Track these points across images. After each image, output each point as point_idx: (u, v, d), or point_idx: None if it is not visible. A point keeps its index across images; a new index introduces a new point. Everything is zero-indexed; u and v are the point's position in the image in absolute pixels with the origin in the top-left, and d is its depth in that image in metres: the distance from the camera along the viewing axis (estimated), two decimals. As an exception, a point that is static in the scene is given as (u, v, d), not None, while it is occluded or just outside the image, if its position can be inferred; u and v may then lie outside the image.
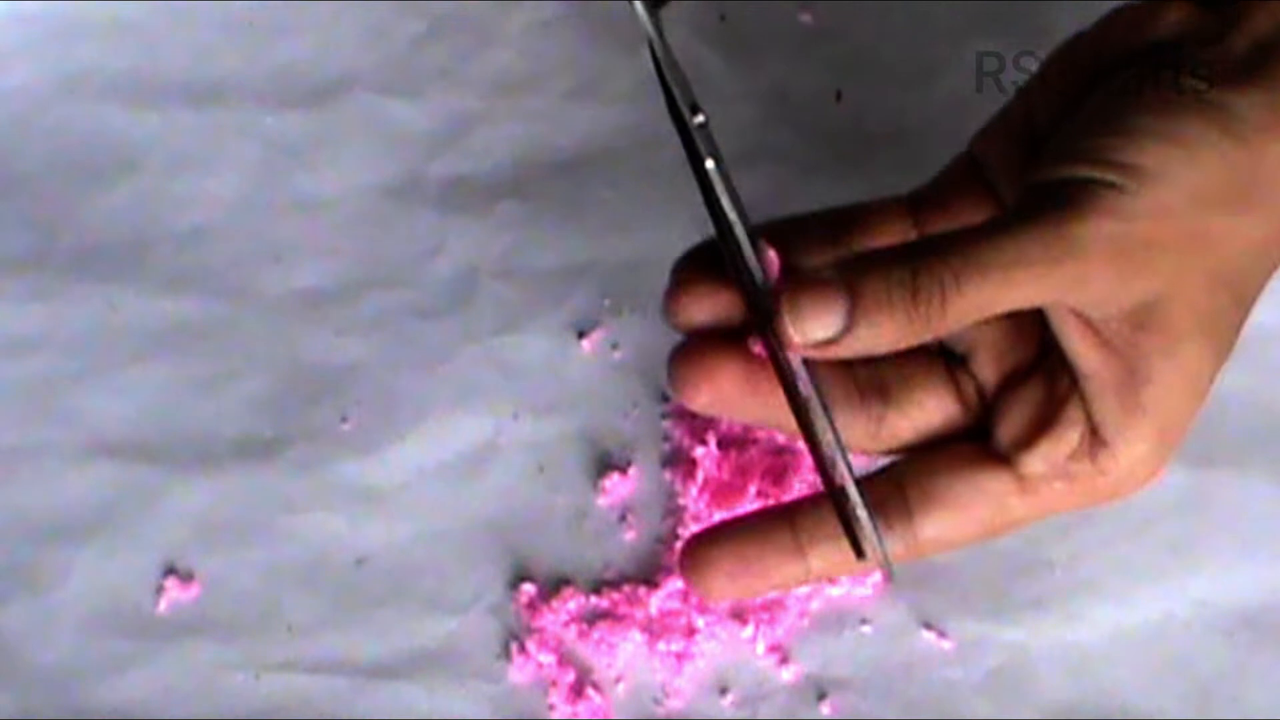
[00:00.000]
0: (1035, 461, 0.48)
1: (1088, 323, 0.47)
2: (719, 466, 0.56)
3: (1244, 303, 0.48)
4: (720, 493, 0.56)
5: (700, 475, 0.56)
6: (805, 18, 0.61)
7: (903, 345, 0.46)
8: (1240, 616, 0.55)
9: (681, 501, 0.56)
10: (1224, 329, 0.48)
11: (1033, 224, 0.45)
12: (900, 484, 0.49)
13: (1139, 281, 0.46)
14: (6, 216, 0.59)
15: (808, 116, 0.60)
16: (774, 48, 0.61)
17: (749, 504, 0.55)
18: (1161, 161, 0.46)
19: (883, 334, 0.45)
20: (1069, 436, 0.48)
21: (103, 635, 0.55)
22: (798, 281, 0.45)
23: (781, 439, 0.56)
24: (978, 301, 0.45)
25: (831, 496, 0.48)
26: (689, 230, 0.58)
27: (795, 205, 0.57)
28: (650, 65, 0.49)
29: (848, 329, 0.45)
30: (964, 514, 0.49)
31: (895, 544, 0.48)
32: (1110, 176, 0.45)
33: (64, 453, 0.57)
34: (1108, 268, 0.46)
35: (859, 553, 0.48)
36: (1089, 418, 0.48)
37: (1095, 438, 0.48)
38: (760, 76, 0.60)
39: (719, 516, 0.55)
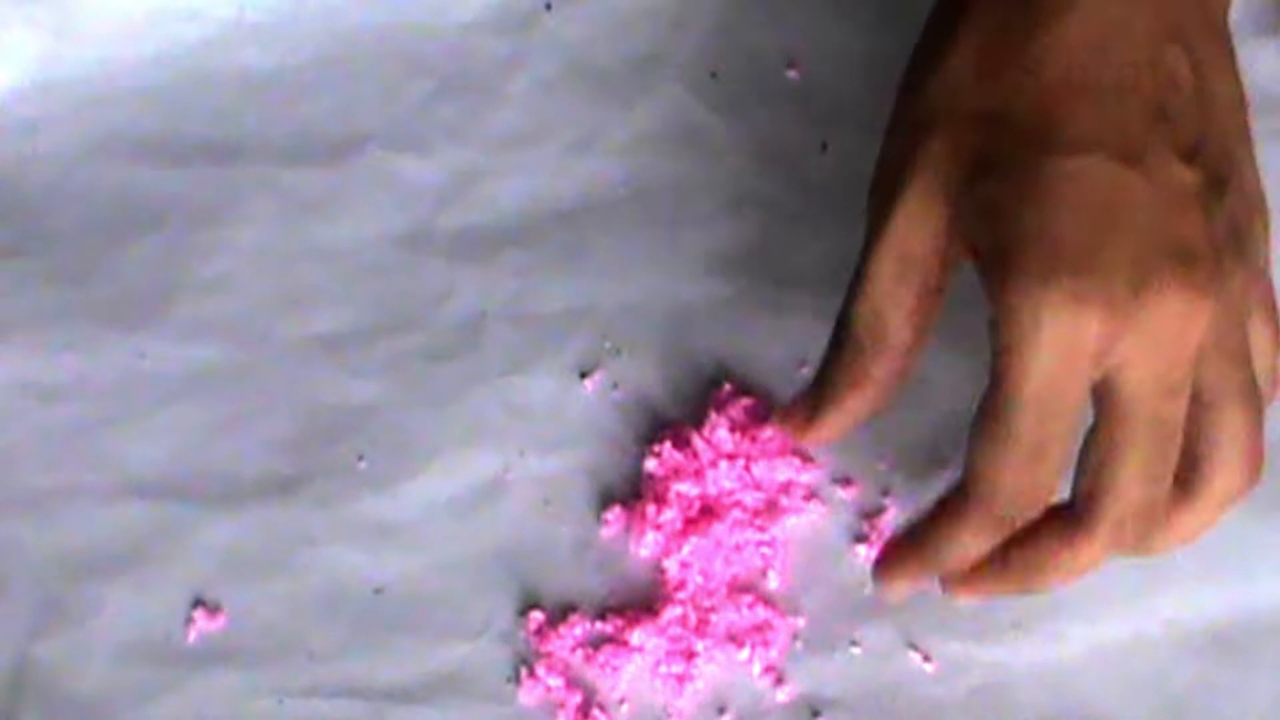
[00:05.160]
0: None
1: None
2: (690, 504, 0.57)
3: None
4: (693, 522, 0.57)
5: (676, 508, 0.57)
6: (792, 74, 0.61)
7: None
8: (1208, 634, 0.56)
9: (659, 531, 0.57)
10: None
11: None
12: None
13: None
14: (40, 271, 0.59)
15: (795, 167, 0.61)
16: (762, 102, 0.61)
17: (727, 530, 0.57)
18: None
19: None
20: None
21: (134, 664, 0.55)
22: None
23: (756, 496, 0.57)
24: None
25: None
26: (685, 275, 0.59)
27: (783, 249, 0.59)
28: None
29: None
30: None
31: None
32: None
33: (97, 493, 0.57)
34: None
35: None
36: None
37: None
38: (750, 129, 0.61)
39: (695, 540, 0.56)
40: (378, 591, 0.57)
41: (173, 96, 0.61)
